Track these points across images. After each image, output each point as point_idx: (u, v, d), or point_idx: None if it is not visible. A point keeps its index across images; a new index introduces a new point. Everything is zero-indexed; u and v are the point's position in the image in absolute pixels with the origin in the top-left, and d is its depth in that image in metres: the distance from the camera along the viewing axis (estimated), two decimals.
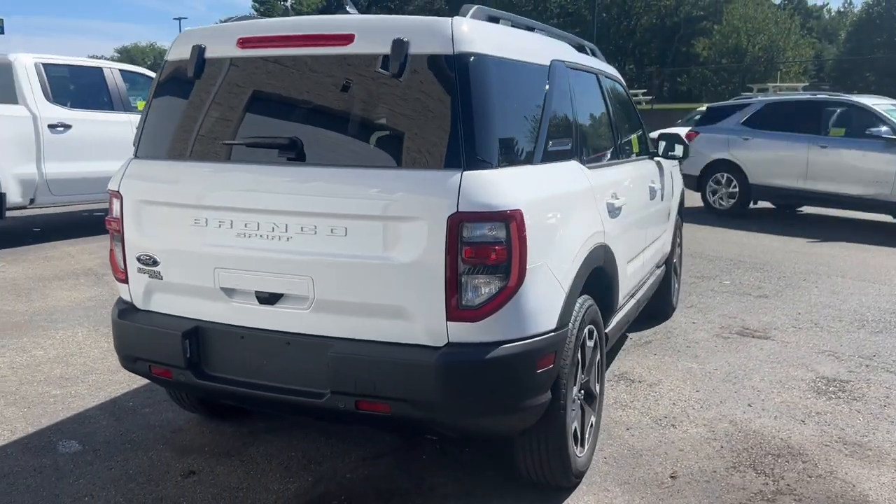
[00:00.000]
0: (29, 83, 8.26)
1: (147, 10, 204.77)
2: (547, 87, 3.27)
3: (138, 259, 3.10)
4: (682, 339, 5.42)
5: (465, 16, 2.93)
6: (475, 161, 2.63)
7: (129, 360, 3.15)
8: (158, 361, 3.04)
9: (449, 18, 2.76)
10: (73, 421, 3.96)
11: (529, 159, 2.94)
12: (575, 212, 3.11)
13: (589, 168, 3.49)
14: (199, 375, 2.97)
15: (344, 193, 2.73)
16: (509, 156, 2.80)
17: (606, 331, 3.75)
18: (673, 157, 5.02)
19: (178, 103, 3.11)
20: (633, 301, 4.36)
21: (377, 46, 2.74)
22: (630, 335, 5.50)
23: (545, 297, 2.80)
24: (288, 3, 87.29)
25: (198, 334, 2.96)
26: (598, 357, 3.50)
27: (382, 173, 2.70)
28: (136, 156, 3.19)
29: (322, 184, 2.76)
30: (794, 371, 4.80)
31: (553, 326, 2.85)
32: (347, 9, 3.12)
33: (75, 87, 9.00)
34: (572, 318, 3.05)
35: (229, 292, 2.92)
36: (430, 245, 2.59)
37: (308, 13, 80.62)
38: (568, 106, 3.45)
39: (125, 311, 3.17)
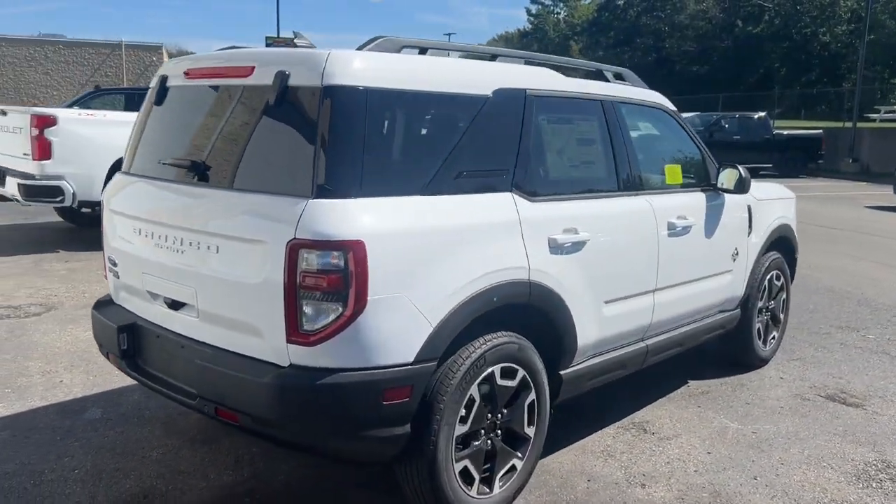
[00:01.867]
0: None
1: (423, 25, 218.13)
2: (476, 117, 3.21)
3: (108, 259, 3.59)
4: (748, 395, 4.85)
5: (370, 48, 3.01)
6: (325, 190, 2.70)
7: (98, 346, 3.64)
8: (109, 350, 3.48)
9: (329, 52, 2.86)
10: (117, 392, 4.60)
11: (410, 190, 2.91)
12: (469, 244, 3.01)
13: (532, 200, 3.33)
14: (131, 366, 3.37)
15: (218, 214, 2.96)
16: (376, 186, 2.81)
17: (564, 372, 3.56)
18: (725, 191, 4.53)
19: (146, 124, 3.54)
20: (637, 346, 4.04)
21: (267, 78, 2.92)
22: (691, 381, 5.05)
23: (399, 329, 2.78)
24: (561, 16, 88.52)
25: (133, 330, 3.36)
26: (530, 398, 3.34)
27: (248, 197, 2.88)
28: (121, 170, 3.68)
29: (206, 203, 3.02)
30: (852, 449, 4.11)
31: (410, 360, 2.82)
32: (297, 41, 3.31)
33: None
34: (456, 353, 2.98)
35: (153, 295, 3.28)
36: (273, 268, 2.72)
37: (580, 25, 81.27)
38: (512, 135, 3.33)
39: (100, 303, 3.66)
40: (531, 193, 3.36)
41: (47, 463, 3.70)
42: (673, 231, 4.12)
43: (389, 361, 2.78)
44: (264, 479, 3.59)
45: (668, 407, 4.62)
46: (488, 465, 3.24)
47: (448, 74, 3.19)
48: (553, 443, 4.02)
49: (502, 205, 3.22)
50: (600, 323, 3.71)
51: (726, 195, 4.64)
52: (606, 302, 3.73)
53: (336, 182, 2.73)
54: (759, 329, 5.25)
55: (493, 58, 3.66)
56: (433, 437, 2.94)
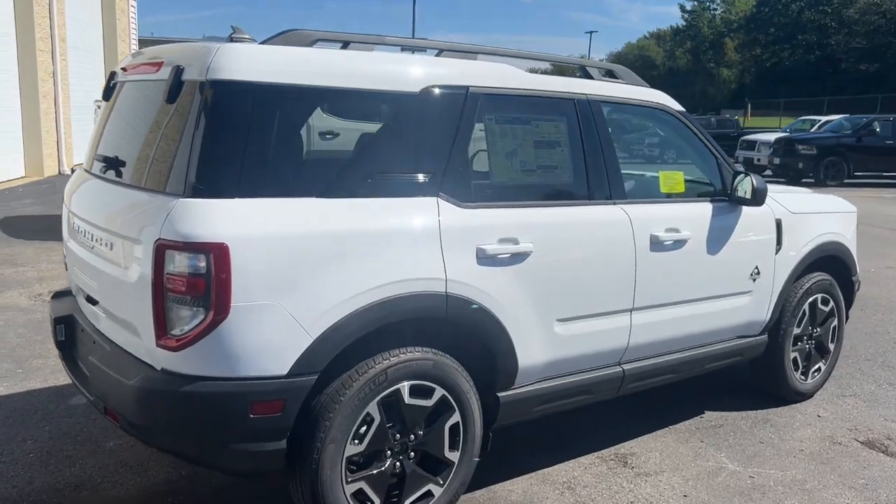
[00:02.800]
0: None
1: (568, 23, 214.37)
2: (397, 115, 2.99)
3: (64, 253, 3.66)
4: (766, 433, 4.30)
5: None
6: (197, 189, 2.60)
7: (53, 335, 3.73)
8: (54, 340, 3.56)
9: (220, 45, 2.74)
10: None
11: (302, 192, 2.74)
12: (364, 252, 2.79)
13: (464, 207, 3.07)
14: (65, 357, 3.41)
15: (114, 210, 2.92)
16: (258, 187, 2.67)
17: (503, 394, 3.27)
18: (741, 202, 4.00)
19: (100, 120, 3.58)
20: (610, 370, 3.65)
21: (167, 73, 2.84)
22: (707, 412, 4.55)
23: (270, 339, 2.62)
24: (717, 12, 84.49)
25: (69, 322, 3.40)
26: (452, 420, 3.08)
27: (136, 194, 2.82)
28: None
29: (109, 199, 2.98)
30: (852, 502, 3.53)
31: (283, 373, 2.65)
32: (233, 36, 3.23)
33: None
34: (352, 368, 2.80)
35: (78, 289, 3.30)
36: (144, 269, 2.64)
37: (737, 21, 77.20)
38: (444, 136, 3.08)
39: (56, 294, 3.75)
40: (464, 199, 3.10)
41: (9, 444, 3.84)
42: (658, 245, 3.69)
43: (258, 373, 2.63)
44: (197, 481, 3.55)
45: (667, 438, 4.17)
46: (398, 489, 3.02)
47: (364, 70, 2.97)
48: (515, 466, 3.75)
49: (419, 210, 2.98)
50: (552, 343, 3.37)
51: (746, 207, 4.12)
52: (560, 320, 3.39)
53: (208, 181, 2.61)
54: (795, 359, 4.64)
55: (439, 53, 3.41)
56: (315, 456, 2.76)
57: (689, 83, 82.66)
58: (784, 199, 4.44)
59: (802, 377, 4.73)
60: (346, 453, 2.84)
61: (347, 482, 2.86)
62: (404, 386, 2.94)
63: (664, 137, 4.10)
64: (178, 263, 2.56)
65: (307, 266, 2.68)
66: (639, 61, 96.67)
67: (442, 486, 3.12)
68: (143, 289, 2.65)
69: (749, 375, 4.81)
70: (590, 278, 3.46)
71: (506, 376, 3.26)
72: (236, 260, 2.55)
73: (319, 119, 2.99)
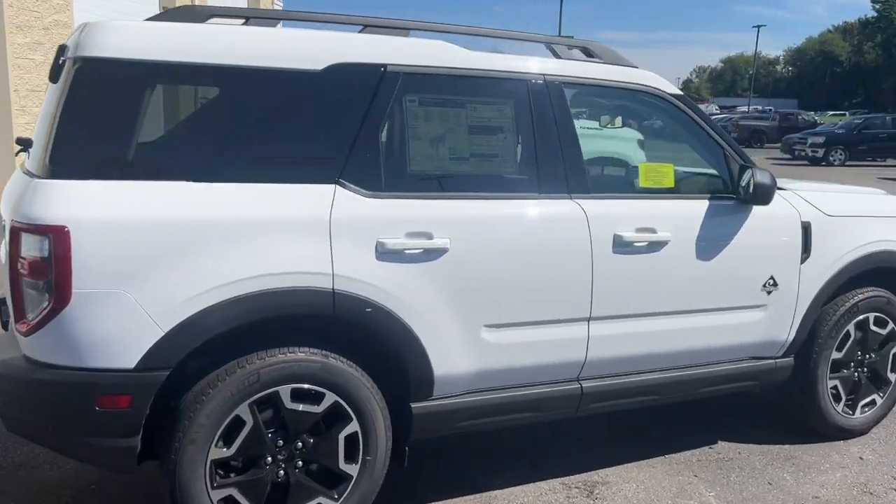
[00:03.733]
0: None
1: (745, 17, 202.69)
2: (294, 95, 2.75)
3: None
4: (783, 473, 3.66)
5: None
6: (51, 171, 2.50)
7: None
8: None
9: (93, 23, 2.63)
10: None
11: (170, 176, 2.58)
12: (231, 241, 2.57)
13: (369, 196, 2.79)
14: None
15: (8, 198, 2.85)
16: (117, 169, 2.53)
17: (417, 405, 2.96)
18: (748, 201, 3.41)
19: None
20: (564, 386, 3.22)
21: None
22: (721, 441, 3.96)
23: (117, 330, 2.47)
24: None
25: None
26: (348, 430, 2.81)
27: (24, 179, 2.71)
28: None
29: (14, 188, 2.93)
30: None
31: (130, 366, 2.50)
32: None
33: None
34: (225, 365, 2.63)
35: None
36: (11, 251, 2.58)
37: None
38: (350, 119, 2.81)
39: None
40: (371, 188, 2.82)
41: None
42: (625, 247, 3.21)
43: (104, 364, 2.49)
44: (82, 475, 3.45)
45: (655, 468, 3.65)
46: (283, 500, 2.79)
47: (255, 47, 2.76)
48: (459, 485, 3.42)
49: (308, 198, 2.73)
50: (479, 351, 3.01)
51: (759, 208, 3.52)
52: (490, 326, 3.02)
53: (61, 162, 2.51)
54: (835, 388, 3.94)
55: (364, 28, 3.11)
56: (173, 456, 2.60)
57: (879, 80, 75.69)
58: (818, 199, 3.76)
59: (847, 410, 4.00)
60: (211, 456, 2.64)
61: (213, 487, 2.67)
62: (285, 389, 2.70)
63: (652, 124, 3.56)
64: (27, 246, 2.47)
65: (161, 254, 2.51)
66: (819, 57, 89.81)
67: (337, 500, 2.86)
68: (8, 273, 2.59)
69: (780, 405, 4.14)
70: (528, 281, 3.06)
71: (420, 386, 2.94)
72: (78, 244, 2.43)
73: (197, 98, 2.81)
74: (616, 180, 3.53)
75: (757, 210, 3.52)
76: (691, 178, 3.59)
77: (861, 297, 3.87)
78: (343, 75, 2.84)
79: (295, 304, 2.68)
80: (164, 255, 2.52)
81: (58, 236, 2.41)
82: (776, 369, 3.75)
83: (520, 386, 3.16)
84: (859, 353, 3.97)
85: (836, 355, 3.90)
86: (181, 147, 2.67)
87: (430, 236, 2.85)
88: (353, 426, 2.84)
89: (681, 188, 3.50)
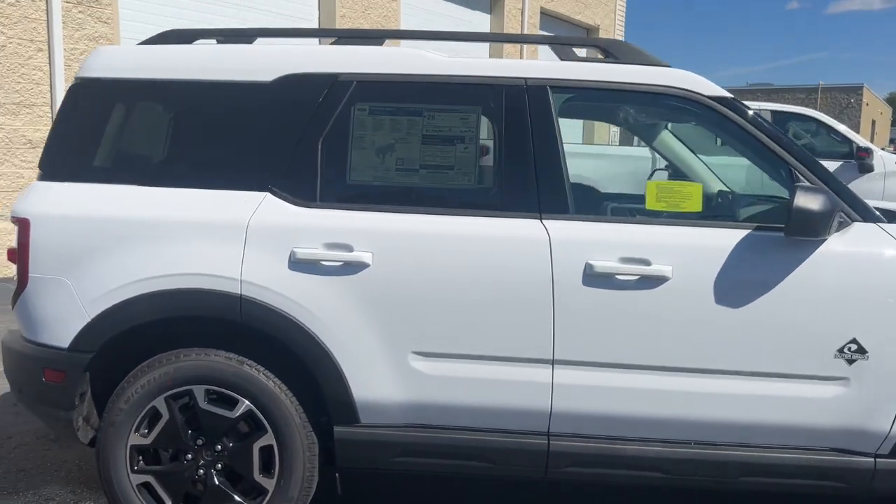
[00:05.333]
0: None
1: None
2: (242, 106, 2.85)
3: None
4: None
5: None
6: (41, 174, 2.95)
7: None
8: None
9: (99, 47, 3.05)
10: None
11: (123, 179, 2.85)
12: (150, 240, 2.73)
13: (299, 205, 2.75)
14: None
15: None
16: (82, 172, 2.87)
17: (339, 429, 2.79)
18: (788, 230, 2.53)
19: None
20: (529, 440, 2.74)
21: None
22: None
23: (59, 312, 2.80)
24: None
25: None
26: (263, 441, 2.78)
27: None
28: None
29: None
30: None
31: (65, 345, 2.80)
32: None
33: None
34: (152, 357, 2.82)
35: None
36: None
37: None
38: (290, 127, 2.81)
39: None
40: (304, 197, 2.79)
41: None
42: (600, 279, 2.63)
43: (47, 341, 2.84)
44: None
45: None
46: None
47: (217, 62, 2.91)
48: None
49: (233, 204, 2.79)
50: (409, 381, 2.73)
51: (837, 244, 2.63)
52: (420, 354, 2.72)
53: (46, 166, 2.94)
54: None
55: (338, 40, 3.04)
56: (100, 434, 2.83)
57: None
58: None
59: None
60: (131, 441, 2.82)
61: (133, 471, 2.83)
62: (198, 389, 2.78)
63: (682, 134, 2.85)
64: (15, 235, 2.95)
65: (92, 248, 2.79)
66: None
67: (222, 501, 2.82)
68: None
69: None
70: (467, 309, 2.69)
71: (339, 407, 2.77)
72: (35, 234, 2.82)
73: (161, 111, 3.02)
74: (591, 198, 2.90)
75: (831, 247, 2.63)
76: (738, 201, 2.81)
77: None
78: (292, 85, 2.86)
79: (201, 305, 2.74)
80: (97, 248, 2.79)
81: (22, 226, 2.84)
82: (877, 472, 2.70)
83: (469, 429, 2.79)
84: None
85: None
86: (136, 154, 2.95)
87: (349, 248, 2.70)
88: (269, 438, 2.79)
89: (717, 213, 2.77)
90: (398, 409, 2.77)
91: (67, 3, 8.29)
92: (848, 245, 2.65)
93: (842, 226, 2.68)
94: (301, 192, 2.79)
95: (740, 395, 2.69)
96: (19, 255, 2.85)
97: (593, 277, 2.65)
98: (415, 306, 2.70)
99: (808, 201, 2.50)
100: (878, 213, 2.80)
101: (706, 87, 2.80)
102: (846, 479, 2.72)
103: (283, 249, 2.73)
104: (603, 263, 2.64)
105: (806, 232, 2.53)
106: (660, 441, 2.74)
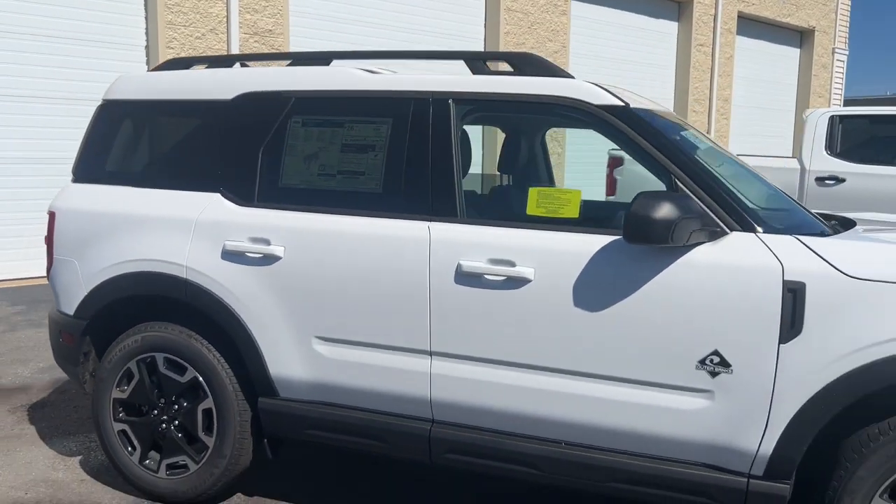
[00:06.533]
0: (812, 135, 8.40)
1: None
2: (207, 121, 3.38)
3: None
4: None
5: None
6: (76, 177, 3.69)
7: None
8: None
9: (126, 75, 3.75)
10: None
11: (125, 181, 3.50)
12: (127, 232, 3.33)
13: (239, 204, 3.22)
14: None
15: None
16: (100, 175, 3.56)
17: (262, 400, 3.21)
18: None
19: None
20: (413, 424, 2.97)
21: None
22: None
23: (70, 286, 3.51)
24: None
25: None
26: (205, 404, 3.28)
27: None
28: None
29: None
30: None
31: (72, 313, 3.51)
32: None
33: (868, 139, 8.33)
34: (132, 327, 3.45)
35: None
36: None
37: None
38: (240, 139, 3.29)
39: None
40: (245, 198, 3.26)
41: None
42: (470, 279, 2.80)
43: (64, 309, 3.57)
44: None
45: None
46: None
47: (196, 84, 3.45)
48: None
49: (190, 203, 3.32)
50: (312, 362, 3.09)
51: (705, 252, 2.59)
52: (321, 339, 3.07)
53: (75, 169, 3.69)
54: None
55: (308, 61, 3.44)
56: (97, 386, 3.49)
57: None
58: (847, 249, 2.50)
59: None
60: (113, 395, 3.45)
61: (115, 420, 3.46)
62: (159, 356, 3.35)
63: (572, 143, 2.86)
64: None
65: (92, 236, 3.47)
66: None
67: (197, 463, 3.33)
68: None
69: None
70: (359, 300, 2.99)
71: (260, 381, 3.20)
72: (58, 224, 3.57)
73: (155, 125, 3.60)
74: (483, 203, 2.98)
75: (696, 256, 2.59)
76: (620, 208, 2.80)
77: None
78: (247, 102, 3.34)
79: (158, 286, 3.30)
80: (95, 237, 3.47)
81: (50, 218, 3.60)
82: (749, 494, 2.59)
83: (364, 409, 3.08)
84: None
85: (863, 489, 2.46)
86: (132, 160, 3.59)
87: (267, 242, 3.13)
88: (209, 402, 3.29)
89: (596, 219, 2.82)
90: (307, 387, 3.13)
91: None
92: (714, 255, 2.59)
93: (715, 235, 2.62)
94: (243, 193, 3.26)
95: (604, 400, 2.72)
96: (48, 240, 3.61)
97: (464, 276, 2.84)
98: (317, 296, 3.06)
99: (644, 208, 2.49)
100: (778, 224, 2.69)
101: (596, 96, 2.86)
102: (719, 498, 2.63)
103: (219, 242, 3.21)
104: (471, 264, 2.82)
105: (641, 238, 2.51)
106: (535, 438, 2.84)
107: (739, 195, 2.73)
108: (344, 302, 3.03)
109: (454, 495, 3.56)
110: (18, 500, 3.43)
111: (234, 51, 9.46)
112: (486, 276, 2.81)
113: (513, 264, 2.78)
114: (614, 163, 9.28)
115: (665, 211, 2.49)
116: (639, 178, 9.06)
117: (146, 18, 9.10)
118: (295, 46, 10.07)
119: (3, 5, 8.05)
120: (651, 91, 14.96)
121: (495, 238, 2.84)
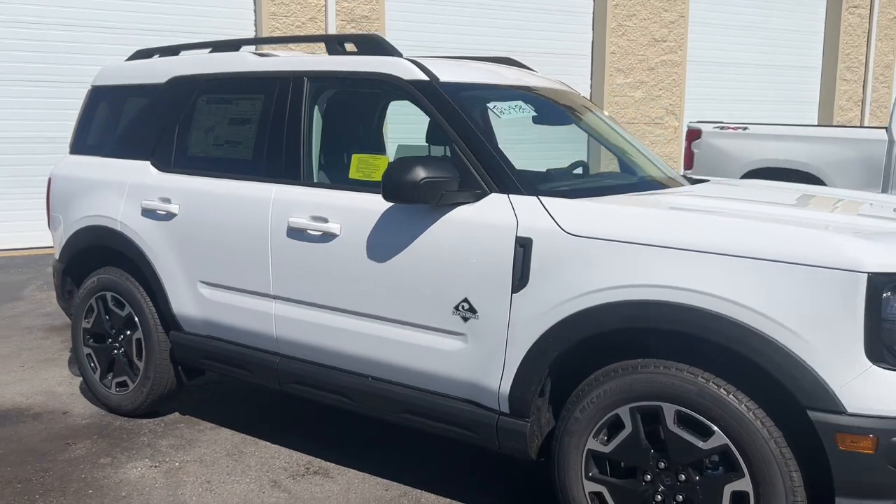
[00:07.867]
0: None
1: None
2: (148, 101, 4.08)
3: None
4: None
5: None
6: (71, 149, 4.56)
7: None
8: None
9: (109, 64, 4.55)
10: None
11: (94, 152, 4.30)
12: (86, 193, 4.11)
13: (161, 171, 3.89)
14: None
15: None
16: (88, 147, 4.39)
17: (170, 333, 3.89)
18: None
19: None
20: (265, 356, 3.50)
21: None
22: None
23: (57, 237, 4.39)
24: None
25: None
26: (137, 335, 4.01)
27: None
28: None
29: None
30: None
31: (57, 258, 4.38)
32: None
33: None
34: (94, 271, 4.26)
35: None
36: None
37: None
38: (165, 115, 3.95)
39: None
40: (164, 165, 3.93)
41: None
42: (296, 234, 3.25)
43: (56, 256, 4.46)
44: None
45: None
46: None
47: (146, 71, 4.16)
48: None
49: (127, 170, 4.03)
50: (199, 302, 3.70)
51: (460, 211, 2.88)
52: (204, 283, 3.67)
53: (70, 144, 4.55)
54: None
55: (237, 47, 3.99)
56: (73, 318, 4.35)
57: None
58: (581, 207, 2.71)
59: None
60: (82, 325, 4.27)
61: (84, 345, 4.30)
62: (108, 294, 4.12)
63: (390, 115, 3.17)
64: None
65: (71, 197, 4.30)
66: None
67: (133, 383, 4.08)
68: None
69: None
70: (226, 251, 3.56)
71: (167, 315, 3.86)
72: (53, 188, 4.46)
73: (120, 105, 4.32)
74: (315, 167, 3.34)
75: (456, 215, 2.90)
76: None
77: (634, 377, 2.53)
78: (174, 85, 3.99)
79: (100, 237, 4.07)
80: (72, 196, 4.30)
81: (49, 183, 4.50)
82: (499, 429, 2.87)
83: (236, 343, 3.65)
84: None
85: (593, 444, 2.65)
86: (104, 135, 4.36)
87: (169, 202, 3.77)
88: (140, 334, 4.01)
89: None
90: (200, 323, 3.76)
91: None
92: (470, 214, 2.87)
93: (478, 196, 2.89)
94: (164, 161, 3.93)
95: (390, 339, 3.09)
96: (47, 200, 4.51)
97: (292, 231, 3.31)
98: (200, 246, 3.66)
99: (395, 170, 2.82)
100: (545, 186, 2.91)
101: (407, 71, 3.19)
102: (477, 430, 2.93)
103: (140, 201, 3.91)
104: (297, 220, 3.29)
105: (394, 197, 2.85)
106: (349, 373, 3.27)
107: (510, 160, 2.96)
108: (217, 252, 3.61)
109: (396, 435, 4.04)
110: (18, 403, 4.38)
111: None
112: (307, 231, 3.26)
113: (326, 221, 3.21)
114: (692, 135, 9.07)
115: (412, 173, 2.81)
116: (717, 151, 8.82)
117: (255, 11, 10.13)
118: (391, 31, 10.70)
119: (120, 5, 9.28)
120: (786, 58, 14.11)
121: (316, 198, 3.28)
